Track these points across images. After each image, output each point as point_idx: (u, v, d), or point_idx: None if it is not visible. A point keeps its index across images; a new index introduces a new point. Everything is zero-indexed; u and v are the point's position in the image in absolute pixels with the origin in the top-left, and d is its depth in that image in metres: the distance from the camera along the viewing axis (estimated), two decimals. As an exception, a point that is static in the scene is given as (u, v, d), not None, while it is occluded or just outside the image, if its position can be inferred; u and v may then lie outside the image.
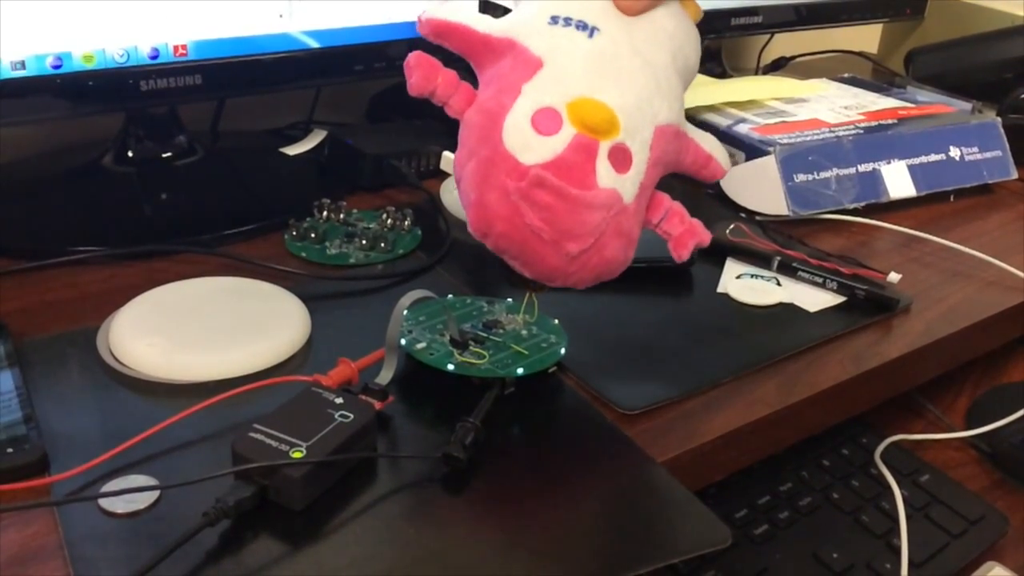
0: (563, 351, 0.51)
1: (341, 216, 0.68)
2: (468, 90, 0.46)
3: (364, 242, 0.65)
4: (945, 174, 0.81)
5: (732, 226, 0.69)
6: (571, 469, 0.46)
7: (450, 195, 0.72)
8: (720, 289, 0.64)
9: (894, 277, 0.63)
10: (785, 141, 0.76)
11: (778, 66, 1.17)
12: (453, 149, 0.47)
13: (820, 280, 0.64)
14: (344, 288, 0.61)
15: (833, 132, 0.79)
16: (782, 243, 0.69)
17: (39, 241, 0.64)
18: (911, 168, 0.79)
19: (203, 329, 0.53)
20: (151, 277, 0.59)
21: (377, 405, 0.46)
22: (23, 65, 0.60)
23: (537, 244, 0.44)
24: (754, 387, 0.54)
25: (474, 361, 0.49)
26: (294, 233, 0.66)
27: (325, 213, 0.68)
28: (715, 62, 1.12)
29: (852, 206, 0.76)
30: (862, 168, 0.77)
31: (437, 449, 0.44)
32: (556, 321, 0.54)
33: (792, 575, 0.56)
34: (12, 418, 0.46)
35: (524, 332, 0.52)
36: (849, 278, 0.63)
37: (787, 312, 0.62)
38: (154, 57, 0.64)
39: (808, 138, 0.78)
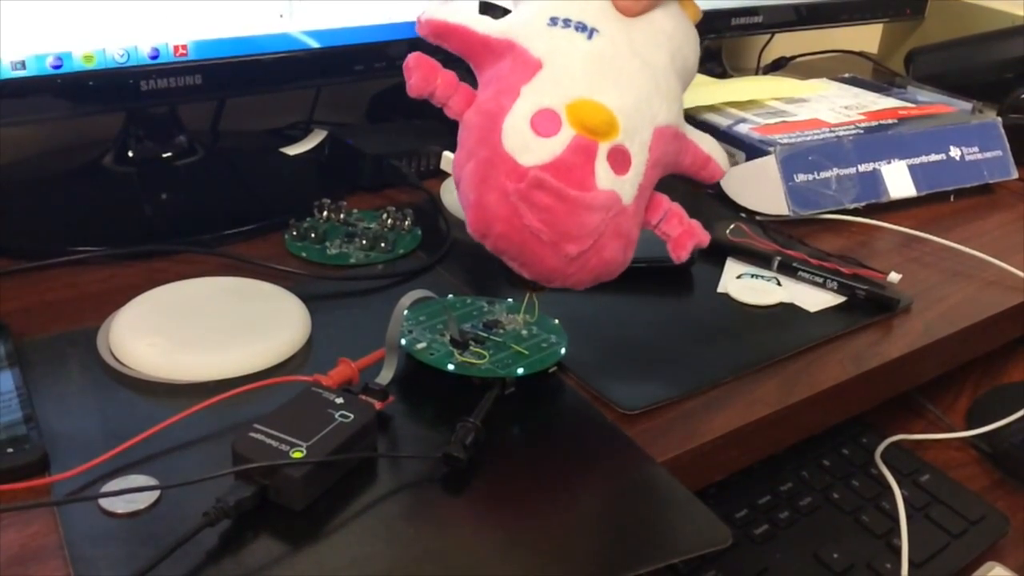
0: (563, 351, 0.51)
1: (341, 216, 0.68)
2: (467, 91, 0.46)
3: (364, 242, 0.65)
4: (945, 174, 0.81)
5: (732, 226, 0.69)
6: (571, 469, 0.46)
7: (450, 195, 0.72)
8: (720, 289, 0.64)
9: (894, 277, 0.63)
10: (785, 141, 0.76)
11: (778, 66, 1.17)
12: (453, 149, 0.47)
13: (820, 280, 0.64)
14: (344, 288, 0.61)
15: (833, 132, 0.79)
16: (782, 243, 0.69)
17: (39, 241, 0.64)
18: (911, 168, 0.79)
19: (203, 329, 0.53)
20: (151, 277, 0.59)
21: (377, 405, 0.46)
22: (23, 65, 0.60)
23: (536, 245, 0.44)
24: (754, 387, 0.54)
25: (474, 361, 0.49)
26: (294, 233, 0.66)
27: (325, 213, 0.68)
28: (715, 62, 1.12)
29: (852, 206, 0.76)
30: (862, 168, 0.77)
31: (437, 449, 0.44)
32: (556, 321, 0.54)
33: (792, 575, 0.56)
34: (12, 418, 0.46)
35: (524, 332, 0.52)
36: (849, 278, 0.63)
37: (787, 312, 0.62)
38: (154, 57, 0.64)
39: (808, 138, 0.78)
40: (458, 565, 0.39)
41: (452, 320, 0.51)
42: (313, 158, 0.82)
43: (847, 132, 0.79)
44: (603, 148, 0.44)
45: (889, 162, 0.79)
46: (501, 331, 0.52)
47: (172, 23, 0.64)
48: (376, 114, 0.93)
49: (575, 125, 0.44)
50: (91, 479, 0.42)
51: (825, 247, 0.70)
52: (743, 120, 0.82)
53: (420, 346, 0.50)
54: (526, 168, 0.43)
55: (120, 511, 0.41)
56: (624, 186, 0.45)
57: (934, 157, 0.81)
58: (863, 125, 0.82)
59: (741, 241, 0.67)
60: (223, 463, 0.42)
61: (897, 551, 0.57)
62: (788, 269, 0.65)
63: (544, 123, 0.44)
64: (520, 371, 0.49)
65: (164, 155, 0.74)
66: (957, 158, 0.82)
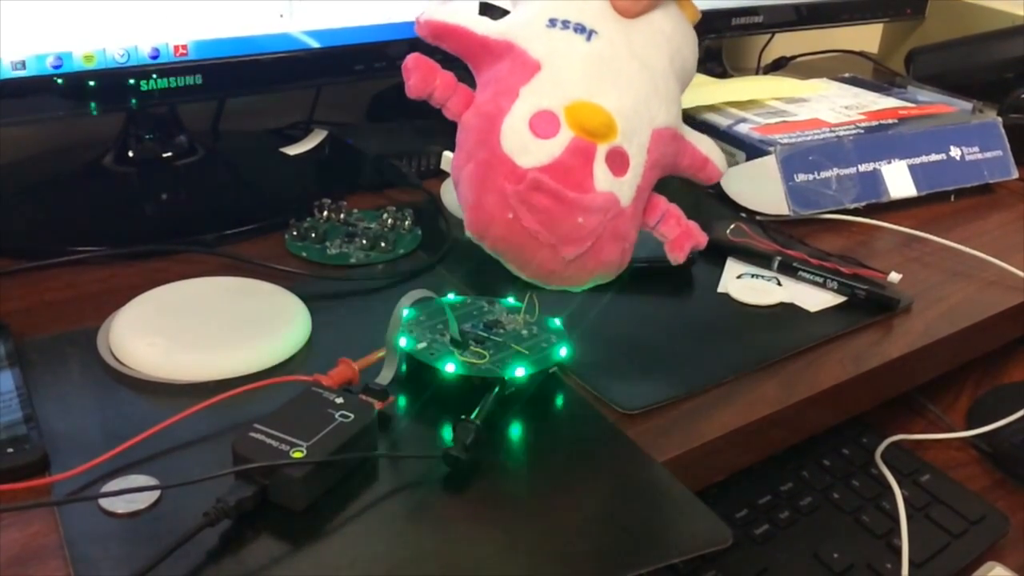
0: (564, 351, 0.51)
1: (341, 216, 0.68)
2: (466, 92, 0.46)
3: (364, 242, 0.65)
4: (946, 174, 0.81)
5: (732, 226, 0.69)
6: (571, 469, 0.46)
7: (450, 195, 0.72)
8: (720, 289, 0.64)
9: (894, 277, 0.63)
10: (786, 141, 0.76)
11: (778, 66, 1.17)
12: (453, 149, 0.47)
13: (820, 280, 0.64)
14: (344, 288, 0.61)
15: (834, 132, 0.79)
16: (782, 243, 0.69)
17: (39, 241, 0.64)
18: (912, 168, 0.79)
19: (203, 329, 0.53)
20: (151, 277, 0.59)
21: (377, 405, 0.46)
22: (23, 65, 0.60)
23: (534, 247, 0.44)
24: (754, 387, 0.54)
25: (474, 361, 0.49)
26: (294, 233, 0.66)
27: (325, 213, 0.68)
28: (715, 62, 1.12)
29: (852, 206, 0.76)
30: (863, 168, 0.77)
31: (437, 449, 0.44)
32: (557, 321, 0.54)
33: (792, 575, 0.56)
34: (12, 418, 0.46)
35: (525, 332, 0.52)
36: (849, 278, 0.63)
37: (787, 312, 0.62)
38: (154, 57, 0.64)
39: (809, 138, 0.78)
40: (458, 565, 0.39)
41: (452, 320, 0.51)
42: (313, 158, 0.82)
43: (847, 132, 0.79)
44: (601, 150, 0.44)
45: (889, 162, 0.79)
46: (501, 331, 0.52)
47: (172, 23, 0.64)
48: (376, 114, 0.93)
49: (574, 127, 0.44)
50: (91, 479, 0.42)
51: (825, 247, 0.70)
52: (743, 120, 0.82)
53: (420, 346, 0.50)
54: (525, 170, 0.43)
55: (120, 511, 0.41)
56: (622, 188, 0.45)
57: (934, 157, 0.81)
58: (863, 125, 0.82)
59: (741, 241, 0.67)
60: (223, 463, 0.42)
61: (897, 551, 0.57)
62: (788, 269, 0.65)
63: (543, 125, 0.44)
64: (520, 371, 0.49)
65: (164, 155, 0.74)
66: (957, 158, 0.82)
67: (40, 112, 0.63)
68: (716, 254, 0.67)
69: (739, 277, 0.65)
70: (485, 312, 0.54)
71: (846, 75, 1.00)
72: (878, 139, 0.79)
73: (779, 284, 0.65)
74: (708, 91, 0.88)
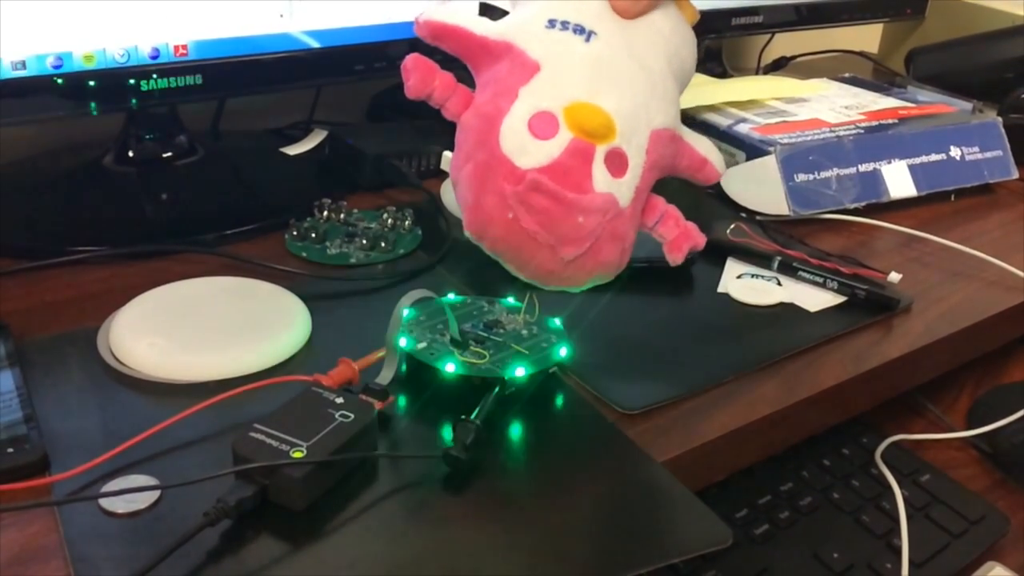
0: (564, 351, 0.51)
1: (342, 216, 0.68)
2: (465, 93, 0.46)
3: (365, 242, 0.65)
4: (946, 174, 0.81)
5: (732, 226, 0.69)
6: (571, 469, 0.46)
7: (450, 195, 0.72)
8: (720, 289, 0.64)
9: (894, 277, 0.63)
10: (786, 141, 0.76)
11: (779, 66, 1.17)
12: (453, 149, 0.47)
13: (820, 280, 0.64)
14: (344, 288, 0.61)
15: (834, 132, 0.79)
16: (782, 243, 0.69)
17: (39, 241, 0.65)
18: (912, 168, 0.79)
19: (203, 329, 0.53)
20: (151, 277, 0.59)
21: (378, 405, 0.46)
22: (23, 65, 0.60)
23: (533, 247, 0.44)
24: (754, 387, 0.54)
25: (474, 361, 0.49)
26: (295, 233, 0.66)
27: (326, 213, 0.68)
28: (715, 62, 1.12)
29: (853, 206, 0.76)
30: (863, 168, 0.77)
31: (437, 449, 0.44)
32: (557, 321, 0.54)
33: (792, 575, 0.56)
34: (12, 418, 0.46)
35: (525, 332, 0.52)
36: (849, 278, 0.63)
37: (787, 312, 0.62)
38: (154, 57, 0.64)
39: (809, 138, 0.78)
40: (458, 565, 0.39)
41: (452, 320, 0.51)
42: (313, 158, 0.82)
43: (847, 132, 0.79)
44: (600, 151, 0.44)
45: (889, 162, 0.79)
46: (501, 331, 0.52)
47: (172, 23, 0.64)
48: (376, 114, 0.93)
49: (573, 128, 0.44)
50: (91, 479, 0.42)
51: (825, 247, 0.70)
52: (743, 120, 0.82)
53: (420, 346, 0.50)
54: (524, 171, 0.43)
55: (120, 511, 0.41)
56: (621, 189, 0.45)
57: (934, 157, 0.81)
58: (863, 125, 0.82)
59: (741, 241, 0.67)
60: (223, 463, 0.42)
61: (897, 551, 0.57)
62: (788, 269, 0.65)
63: (542, 125, 0.44)
64: (520, 371, 0.49)
65: (164, 155, 0.74)
66: (957, 158, 0.82)
67: (40, 112, 0.63)
68: (716, 254, 0.67)
69: (739, 277, 0.65)
70: (485, 312, 0.54)
71: (846, 75, 1.00)
72: (878, 139, 0.79)
73: (779, 284, 0.65)
74: (708, 91, 0.88)
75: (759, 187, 0.75)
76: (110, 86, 0.63)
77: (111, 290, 0.58)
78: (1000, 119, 0.85)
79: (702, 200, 0.77)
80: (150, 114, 0.73)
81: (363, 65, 0.73)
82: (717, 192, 0.77)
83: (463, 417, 0.45)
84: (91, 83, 0.62)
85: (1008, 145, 0.84)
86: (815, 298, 0.63)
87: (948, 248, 0.72)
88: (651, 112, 0.46)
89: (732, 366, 0.55)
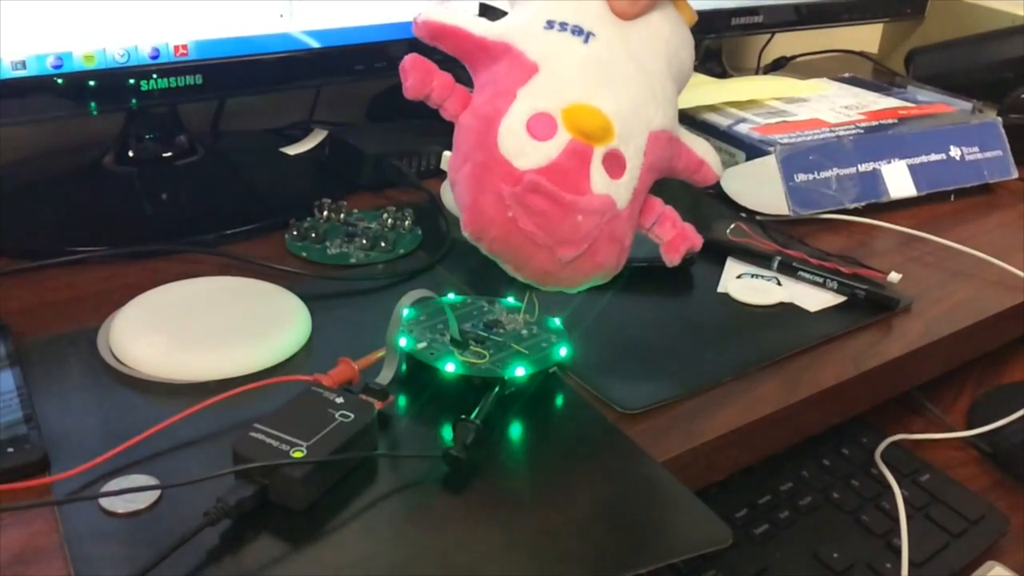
0: (564, 351, 0.51)
1: (342, 216, 0.69)
2: (463, 93, 0.46)
3: (365, 242, 0.65)
4: (945, 174, 0.81)
5: (732, 226, 0.69)
6: (571, 469, 0.46)
7: (450, 195, 0.72)
8: (720, 289, 0.64)
9: (894, 277, 0.63)
10: (786, 141, 0.76)
11: (778, 66, 1.17)
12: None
13: (820, 280, 0.64)
14: (344, 288, 0.61)
15: (833, 132, 0.79)
16: (782, 243, 0.69)
17: (39, 241, 0.64)
18: (911, 168, 0.79)
19: (203, 329, 0.53)
20: (151, 277, 0.59)
21: (378, 405, 0.46)
22: (23, 65, 0.60)
23: (531, 249, 0.44)
24: (754, 387, 0.54)
25: (474, 361, 0.49)
26: (295, 233, 0.66)
27: (326, 213, 0.68)
28: (715, 62, 1.12)
29: (852, 206, 0.76)
30: (862, 168, 0.77)
31: (437, 449, 0.44)
32: (557, 321, 0.54)
33: (792, 575, 0.56)
34: (13, 418, 0.46)
35: (525, 332, 0.52)
36: (849, 278, 0.63)
37: (787, 312, 0.62)
38: (155, 57, 0.64)
39: (809, 138, 0.78)
40: (458, 565, 0.39)
41: (452, 320, 0.51)
42: (313, 158, 0.82)
43: (847, 132, 0.79)
44: (598, 152, 0.44)
45: (889, 162, 0.79)
46: (501, 331, 0.52)
47: (172, 23, 0.64)
48: (376, 114, 0.93)
49: (571, 129, 0.44)
50: (91, 479, 0.42)
51: (825, 247, 0.70)
52: (743, 120, 0.82)
53: (420, 346, 0.50)
54: (522, 172, 0.43)
55: (120, 511, 0.41)
56: (619, 190, 0.45)
57: (934, 157, 0.81)
58: (863, 125, 0.82)
59: (741, 241, 0.67)
60: (223, 463, 0.42)
61: (897, 551, 0.57)
62: (788, 269, 0.65)
63: (540, 127, 0.44)
64: (520, 371, 0.49)
65: (164, 155, 0.74)
66: (957, 158, 0.82)
67: (40, 112, 0.63)
68: (716, 254, 0.67)
69: (739, 277, 0.65)
70: (485, 312, 0.54)
71: (846, 75, 1.00)
72: (878, 139, 0.79)
73: (779, 284, 0.65)
74: (708, 91, 0.88)
75: (759, 187, 0.75)
76: (110, 86, 0.63)
77: (111, 290, 0.58)
78: (1000, 119, 0.85)
79: (702, 200, 0.77)
80: (150, 114, 0.73)
81: (363, 65, 0.73)
82: (717, 192, 0.77)
83: (463, 417, 0.45)
84: (91, 83, 0.63)
85: (1008, 145, 0.84)
86: (815, 298, 0.63)
87: (948, 248, 0.72)
88: (649, 113, 0.46)
89: (732, 366, 0.55)
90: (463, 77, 0.47)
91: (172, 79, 0.65)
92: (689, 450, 0.48)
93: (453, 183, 0.46)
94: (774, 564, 0.56)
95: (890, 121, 0.83)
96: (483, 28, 0.46)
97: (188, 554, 0.38)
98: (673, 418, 0.51)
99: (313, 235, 0.66)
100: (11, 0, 0.59)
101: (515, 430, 0.48)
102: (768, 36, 1.17)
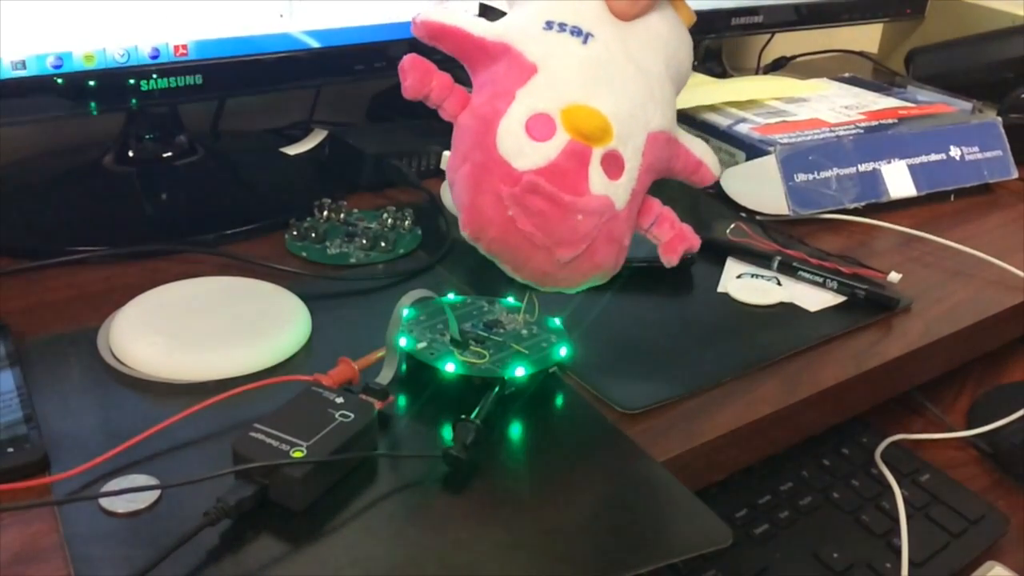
0: (564, 351, 0.51)
1: (342, 216, 0.69)
2: (462, 93, 0.46)
3: (365, 242, 0.65)
4: (945, 174, 0.81)
5: (732, 226, 0.69)
6: (571, 469, 0.46)
7: (450, 195, 0.72)
8: (720, 289, 0.64)
9: (894, 277, 0.63)
10: (785, 141, 0.76)
11: (778, 66, 1.17)
12: (451, 149, 0.47)
13: (820, 280, 0.64)
14: (344, 288, 0.61)
15: (833, 132, 0.79)
16: (782, 243, 0.69)
17: (39, 241, 0.65)
18: (911, 168, 0.79)
19: (203, 329, 0.53)
20: (151, 277, 0.59)
21: (378, 405, 0.46)
22: (23, 65, 0.60)
23: (529, 249, 0.44)
24: (755, 387, 0.54)
25: (474, 361, 0.49)
26: (294, 233, 0.66)
27: (325, 213, 0.68)
28: (715, 62, 1.12)
29: (852, 206, 0.76)
30: (862, 168, 0.77)
31: (437, 449, 0.44)
32: (557, 321, 0.54)
33: (792, 575, 0.56)
34: (13, 418, 0.46)
35: (525, 332, 0.52)
36: (849, 278, 0.63)
37: (787, 312, 0.62)
38: (154, 57, 0.64)
39: (808, 138, 0.78)
40: (458, 565, 0.39)
41: (452, 319, 0.51)
42: (313, 158, 0.82)
43: (847, 132, 0.79)
44: (597, 153, 0.44)
45: (889, 162, 0.79)
46: (501, 331, 0.52)
47: (172, 23, 0.64)
48: (376, 114, 0.93)
49: (570, 130, 0.44)
50: (91, 479, 0.42)
51: (825, 247, 0.70)
52: (743, 120, 0.82)
53: (420, 346, 0.50)
54: (520, 172, 0.43)
55: (120, 511, 0.41)
56: (617, 191, 0.45)
57: (934, 157, 0.81)
58: (863, 125, 0.82)
59: (741, 241, 0.67)
60: (223, 463, 0.42)
61: (897, 551, 0.57)
62: (788, 269, 0.65)
63: (539, 127, 0.44)
64: (520, 371, 0.49)
65: (164, 155, 0.74)
66: (957, 158, 0.82)
67: (40, 112, 0.63)
68: (716, 254, 0.67)
69: (739, 277, 0.65)
70: (485, 312, 0.54)
71: (846, 75, 1.00)
72: (878, 139, 0.79)
73: (779, 284, 0.65)
74: (708, 91, 0.88)
75: (759, 187, 0.75)
76: (110, 86, 0.63)
77: (111, 290, 0.58)
78: (1000, 119, 0.85)
79: (702, 200, 0.77)
80: (150, 114, 0.73)
81: (363, 65, 0.73)
82: (717, 192, 0.77)
83: (463, 417, 0.45)
84: (91, 83, 0.63)
85: (1008, 145, 0.84)
86: (815, 298, 0.63)
87: (948, 248, 0.72)
88: (648, 115, 0.46)
89: (732, 366, 0.55)
90: (462, 77, 0.47)
91: (172, 79, 0.65)
92: (689, 450, 0.48)
93: (451, 183, 0.46)
94: (774, 564, 0.56)
95: (890, 121, 0.83)
96: (482, 28, 0.46)
97: (188, 554, 0.38)
98: (673, 418, 0.51)
99: (313, 235, 0.66)
100: (11, 0, 0.59)
101: (515, 430, 0.48)
102: (768, 36, 1.17)
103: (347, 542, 0.40)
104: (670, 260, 0.49)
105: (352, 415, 0.44)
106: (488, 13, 0.72)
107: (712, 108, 0.86)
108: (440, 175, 0.76)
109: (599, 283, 0.47)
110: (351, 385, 0.48)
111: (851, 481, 0.63)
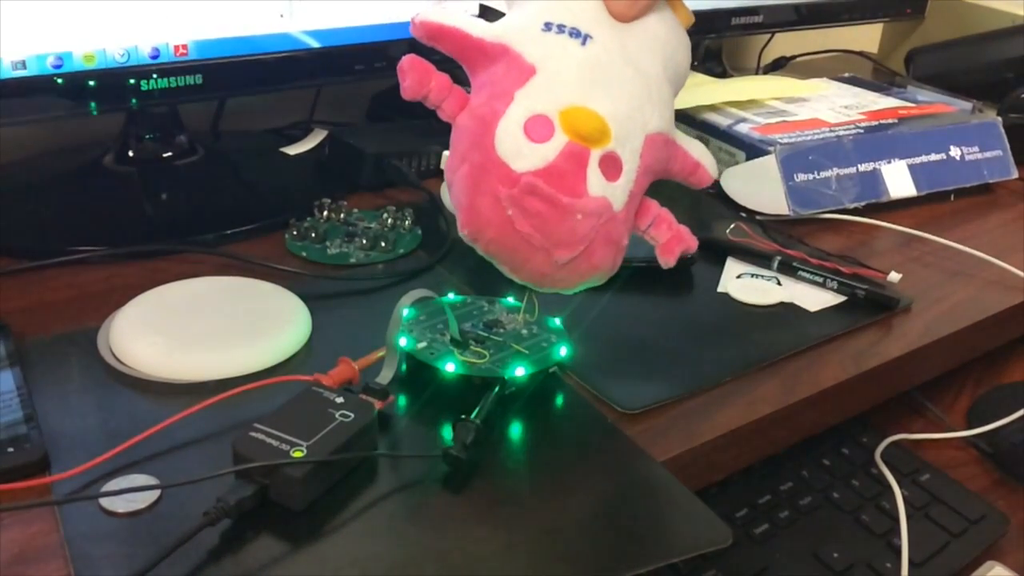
0: (564, 351, 0.51)
1: (342, 216, 0.69)
2: (461, 94, 0.46)
3: (365, 242, 0.65)
4: (945, 174, 0.81)
5: (732, 225, 0.69)
6: (571, 469, 0.46)
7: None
8: (720, 289, 0.64)
9: (894, 277, 0.63)
10: (785, 141, 0.76)
11: (778, 66, 1.17)
12: (451, 149, 0.47)
13: (820, 280, 0.64)
14: (344, 288, 0.61)
15: (833, 132, 0.79)
16: (782, 243, 0.69)
17: (39, 241, 0.65)
18: (911, 168, 0.79)
19: (203, 329, 0.53)
20: (151, 277, 0.59)
21: (378, 404, 0.46)
22: (24, 65, 0.60)
23: (527, 250, 0.44)
24: (754, 387, 0.54)
25: (474, 361, 0.49)
26: (295, 233, 0.66)
27: (326, 213, 0.68)
28: (715, 62, 1.12)
29: (852, 206, 0.76)
30: (862, 168, 0.77)
31: (437, 449, 0.44)
32: (557, 321, 0.54)
33: (792, 575, 0.56)
34: (13, 418, 0.46)
35: (525, 332, 0.52)
36: (849, 278, 0.63)
37: (787, 312, 0.62)
38: (155, 57, 0.64)
39: (808, 138, 0.78)
40: (458, 565, 0.39)
41: (452, 319, 0.51)
42: (313, 158, 0.82)
43: (847, 132, 0.79)
44: (595, 155, 0.44)
45: (889, 162, 0.79)
46: (501, 331, 0.52)
47: (172, 23, 0.64)
48: (376, 114, 0.93)
49: (568, 131, 0.44)
50: (91, 479, 0.42)
51: (825, 247, 0.70)
52: (743, 120, 0.82)
53: (420, 346, 0.50)
54: (519, 174, 0.43)
55: (120, 511, 0.41)
56: (615, 192, 0.45)
57: (934, 157, 0.81)
58: (863, 125, 0.82)
59: (741, 241, 0.67)
60: (223, 463, 0.42)
61: (897, 551, 0.57)
62: (788, 269, 0.65)
63: (537, 129, 0.44)
64: (520, 371, 0.49)
65: (164, 155, 0.74)
66: (957, 158, 0.82)
67: (40, 112, 0.63)
68: (716, 254, 0.67)
69: (739, 277, 0.65)
70: (485, 312, 0.54)
71: (846, 75, 1.00)
72: (878, 139, 0.79)
73: (779, 284, 0.65)
74: (708, 91, 0.88)
75: (759, 187, 0.75)
76: (110, 86, 0.63)
77: (111, 290, 0.58)
78: (1000, 119, 0.85)
79: (702, 200, 0.77)
80: (150, 114, 0.73)
81: (363, 65, 0.73)
82: (717, 192, 0.77)
83: (463, 417, 0.45)
84: (91, 83, 0.62)
85: (1008, 145, 0.84)
86: (815, 298, 0.63)
87: (948, 248, 0.72)
88: (646, 116, 0.46)
89: (732, 366, 0.55)
90: (461, 78, 0.47)
91: (172, 79, 0.65)
92: (689, 450, 0.48)
93: (450, 184, 0.46)
94: (774, 564, 0.56)
95: (890, 121, 0.83)
96: (481, 29, 0.46)
97: (188, 554, 0.38)
98: (673, 418, 0.51)
99: (313, 235, 0.66)
100: (11, 0, 0.59)
101: (515, 430, 0.48)
102: (768, 36, 1.17)
103: (347, 542, 0.40)
104: (667, 261, 0.49)
105: (352, 415, 0.44)
106: (487, 14, 0.72)
107: (712, 108, 0.86)
108: (440, 175, 0.75)
109: (597, 284, 0.47)
110: (351, 385, 0.48)
111: (851, 481, 0.63)
